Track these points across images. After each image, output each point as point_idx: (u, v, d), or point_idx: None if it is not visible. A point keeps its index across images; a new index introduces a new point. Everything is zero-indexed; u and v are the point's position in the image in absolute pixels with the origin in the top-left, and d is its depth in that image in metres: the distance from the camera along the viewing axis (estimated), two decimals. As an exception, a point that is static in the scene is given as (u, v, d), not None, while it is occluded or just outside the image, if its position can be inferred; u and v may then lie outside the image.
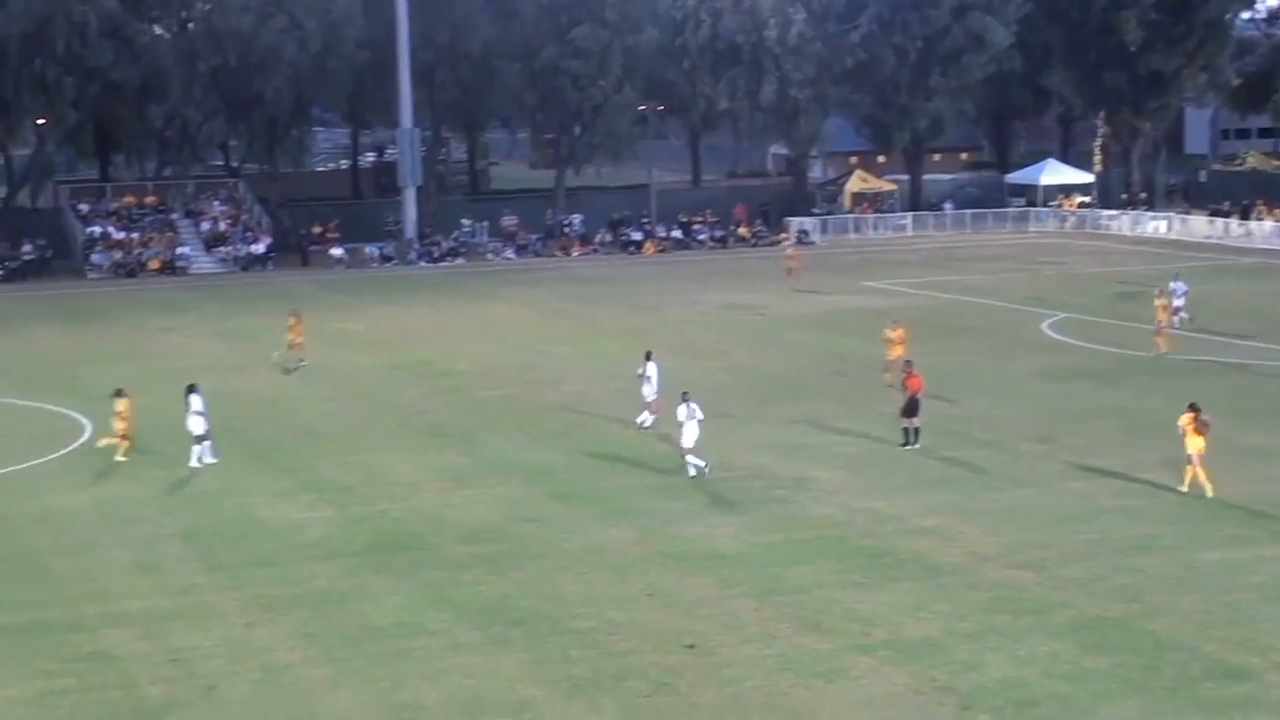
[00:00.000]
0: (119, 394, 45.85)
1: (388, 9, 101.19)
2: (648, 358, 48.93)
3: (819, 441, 46.51)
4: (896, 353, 54.04)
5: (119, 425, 45.44)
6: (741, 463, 43.95)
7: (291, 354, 60.40)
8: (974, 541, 36.02)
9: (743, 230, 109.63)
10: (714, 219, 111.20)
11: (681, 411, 41.96)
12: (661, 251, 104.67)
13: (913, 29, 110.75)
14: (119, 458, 45.22)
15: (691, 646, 29.37)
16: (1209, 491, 39.28)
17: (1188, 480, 39.89)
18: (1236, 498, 39.42)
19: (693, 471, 41.88)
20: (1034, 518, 38.01)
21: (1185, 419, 39.99)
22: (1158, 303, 61.80)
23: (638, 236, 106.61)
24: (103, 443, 45.92)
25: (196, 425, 44.37)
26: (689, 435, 41.83)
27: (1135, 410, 50.17)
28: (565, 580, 33.65)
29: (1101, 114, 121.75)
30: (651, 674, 28.05)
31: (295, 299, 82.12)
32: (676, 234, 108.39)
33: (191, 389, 44.86)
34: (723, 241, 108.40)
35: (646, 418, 47.98)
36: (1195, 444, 39.79)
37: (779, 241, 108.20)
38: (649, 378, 48.22)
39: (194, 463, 44.12)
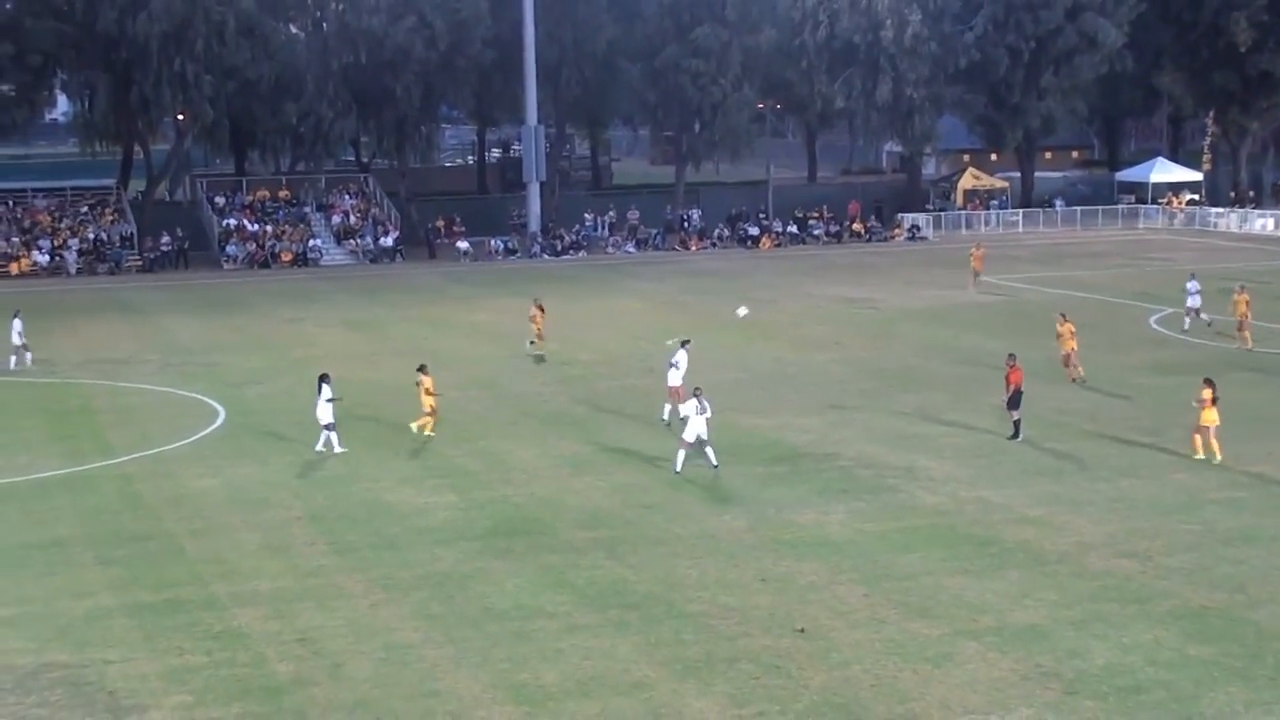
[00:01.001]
0: (423, 369, 46.69)
1: (514, 9, 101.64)
2: (683, 345, 48.23)
3: (929, 432, 46.27)
4: (1069, 346, 53.88)
5: (428, 401, 46.13)
6: (852, 452, 43.82)
7: (540, 342, 60.95)
8: (1080, 531, 35.73)
9: (857, 226, 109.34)
10: (829, 215, 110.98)
11: (691, 406, 41.65)
12: (778, 246, 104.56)
13: (1026, 29, 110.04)
14: (428, 433, 46.01)
15: (802, 631, 29.32)
16: (1218, 458, 41.70)
17: (1201, 448, 42.12)
18: (1341, 491, 38.97)
19: (679, 467, 41.34)
20: (1140, 508, 37.65)
21: (1206, 394, 41.96)
22: (1237, 298, 61.15)
23: (755, 231, 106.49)
24: (418, 424, 46.29)
25: (325, 414, 44.73)
26: (692, 430, 41.40)
27: (1240, 404, 49.48)
28: (680, 565, 33.67)
29: (1211, 113, 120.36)
30: (762, 657, 28.02)
31: (422, 290, 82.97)
32: (792, 229, 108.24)
33: (324, 378, 45.23)
34: (837, 237, 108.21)
35: (668, 409, 47.26)
36: (1211, 417, 41.98)
37: (892, 236, 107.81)
38: (676, 365, 47.29)
39: (320, 448, 44.54)
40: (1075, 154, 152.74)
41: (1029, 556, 33.89)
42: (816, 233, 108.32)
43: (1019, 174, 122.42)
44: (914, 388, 53.37)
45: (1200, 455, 42.07)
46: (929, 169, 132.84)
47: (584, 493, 40.03)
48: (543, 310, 61.52)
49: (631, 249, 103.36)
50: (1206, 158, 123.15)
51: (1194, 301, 64.41)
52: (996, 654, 27.99)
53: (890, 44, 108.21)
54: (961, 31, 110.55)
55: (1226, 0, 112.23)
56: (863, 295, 78.20)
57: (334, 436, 44.69)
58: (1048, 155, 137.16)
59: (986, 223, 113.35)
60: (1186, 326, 63.94)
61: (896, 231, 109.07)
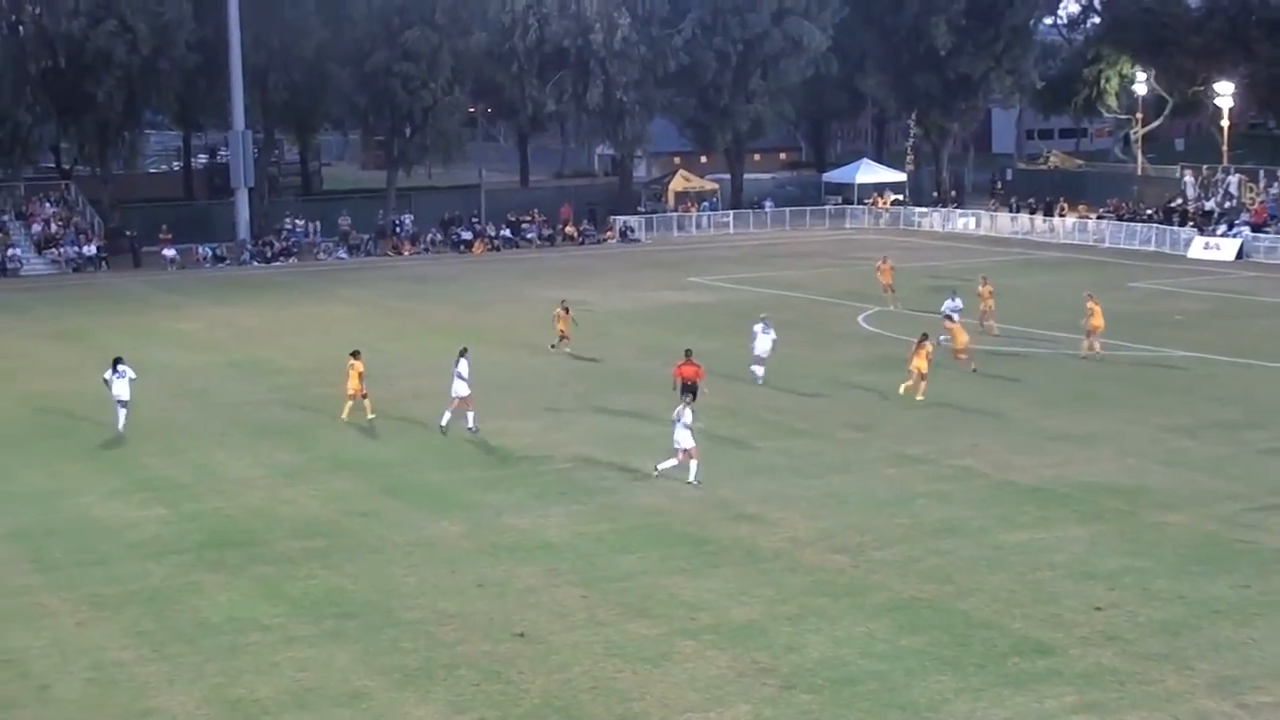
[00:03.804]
0: (355, 354, 48.71)
1: (219, 12, 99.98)
2: (462, 354, 47.61)
3: (645, 432, 46.51)
4: (987, 304, 62.13)
5: (356, 386, 48.21)
6: (570, 454, 43.93)
7: (561, 343, 60.76)
8: (794, 527, 36.30)
9: (569, 229, 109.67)
10: (542, 218, 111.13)
11: (686, 415, 40.56)
12: (492, 250, 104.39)
13: (733, 33, 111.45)
14: (369, 416, 48.15)
15: (521, 635, 29.32)
16: (919, 397, 49.52)
17: (904, 388, 49.97)
18: (1040, 480, 40.19)
19: (692, 476, 40.28)
20: (851, 503, 38.37)
21: (916, 345, 50.45)
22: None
23: (467, 236, 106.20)
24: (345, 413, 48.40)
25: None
26: (685, 439, 40.41)
27: (946, 398, 50.78)
28: (397, 573, 33.44)
29: (913, 115, 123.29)
30: (482, 663, 27.94)
31: (128, 299, 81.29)
32: (506, 233, 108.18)
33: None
34: (550, 240, 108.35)
35: (447, 416, 46.75)
36: (920, 363, 49.77)
37: (605, 239, 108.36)
38: (461, 375, 46.95)
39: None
40: (783, 156, 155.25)
41: (744, 554, 34.33)
42: (530, 236, 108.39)
43: (729, 176, 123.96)
44: (630, 389, 53.66)
45: (901, 391, 49.90)
46: (640, 171, 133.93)
47: (298, 502, 39.55)
48: (568, 311, 61.30)
49: (343, 255, 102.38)
50: (910, 158, 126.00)
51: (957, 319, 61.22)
52: (714, 651, 28.28)
53: (600, 47, 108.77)
54: (670, 35, 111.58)
55: (927, 5, 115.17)
56: (577, 297, 78.37)
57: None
58: (756, 157, 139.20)
59: (698, 225, 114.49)
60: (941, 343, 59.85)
61: (609, 234, 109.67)
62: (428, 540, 35.92)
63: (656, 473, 40.56)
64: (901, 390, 50.22)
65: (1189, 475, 40.74)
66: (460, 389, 46.71)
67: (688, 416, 40.37)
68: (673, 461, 40.44)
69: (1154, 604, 30.60)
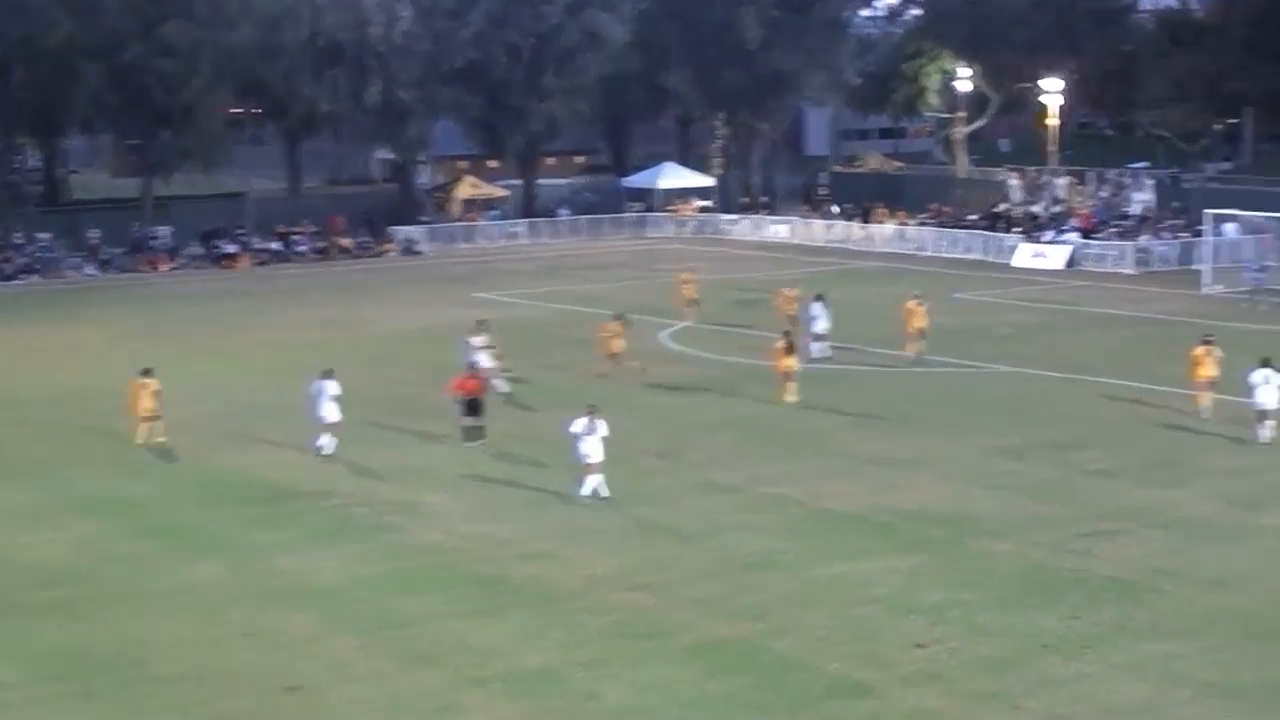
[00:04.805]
0: (146, 373, 49.45)
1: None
2: (327, 375, 48.15)
3: (428, 463, 46.43)
4: (790, 309, 64.21)
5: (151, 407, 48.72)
6: (347, 488, 43.70)
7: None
8: (591, 564, 36.39)
9: (344, 241, 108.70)
10: (314, 229, 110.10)
11: (582, 426, 41.58)
12: (261, 264, 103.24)
13: (525, 26, 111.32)
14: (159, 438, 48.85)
15: (294, 689, 29.08)
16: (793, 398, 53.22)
17: (787, 397, 53.26)
18: (858, 508, 40.76)
19: (590, 492, 41.54)
20: (653, 537, 38.57)
21: (780, 344, 54.34)
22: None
23: (231, 249, 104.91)
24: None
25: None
26: (595, 452, 41.40)
27: (757, 421, 51.23)
28: (153, 623, 33.04)
29: (721, 115, 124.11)
30: (249, 720, 27.72)
31: None
32: (274, 246, 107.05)
33: None
34: (324, 253, 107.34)
35: (326, 442, 47.46)
36: (789, 362, 53.66)
37: (384, 251, 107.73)
38: (334, 396, 47.49)
39: None
40: (580, 159, 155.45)
41: (537, 594, 34.37)
42: (301, 249, 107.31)
43: (520, 182, 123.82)
44: (413, 416, 53.28)
45: (792, 399, 53.13)
46: (423, 178, 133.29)
47: (41, 547, 38.93)
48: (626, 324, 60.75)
49: (93, 271, 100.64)
50: (717, 161, 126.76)
51: (820, 326, 62.73)
52: (505, 701, 28.30)
53: (379, 41, 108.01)
54: (456, 28, 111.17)
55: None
56: (353, 316, 77.96)
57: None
58: (551, 161, 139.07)
59: (487, 235, 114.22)
60: (815, 354, 61.48)
61: (388, 246, 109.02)
62: (188, 586, 35.53)
63: (589, 500, 41.20)
64: (789, 399, 53.51)
65: (1016, 500, 41.51)
66: (332, 412, 47.32)
67: (603, 428, 41.30)
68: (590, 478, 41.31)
69: (979, 639, 31.10)
